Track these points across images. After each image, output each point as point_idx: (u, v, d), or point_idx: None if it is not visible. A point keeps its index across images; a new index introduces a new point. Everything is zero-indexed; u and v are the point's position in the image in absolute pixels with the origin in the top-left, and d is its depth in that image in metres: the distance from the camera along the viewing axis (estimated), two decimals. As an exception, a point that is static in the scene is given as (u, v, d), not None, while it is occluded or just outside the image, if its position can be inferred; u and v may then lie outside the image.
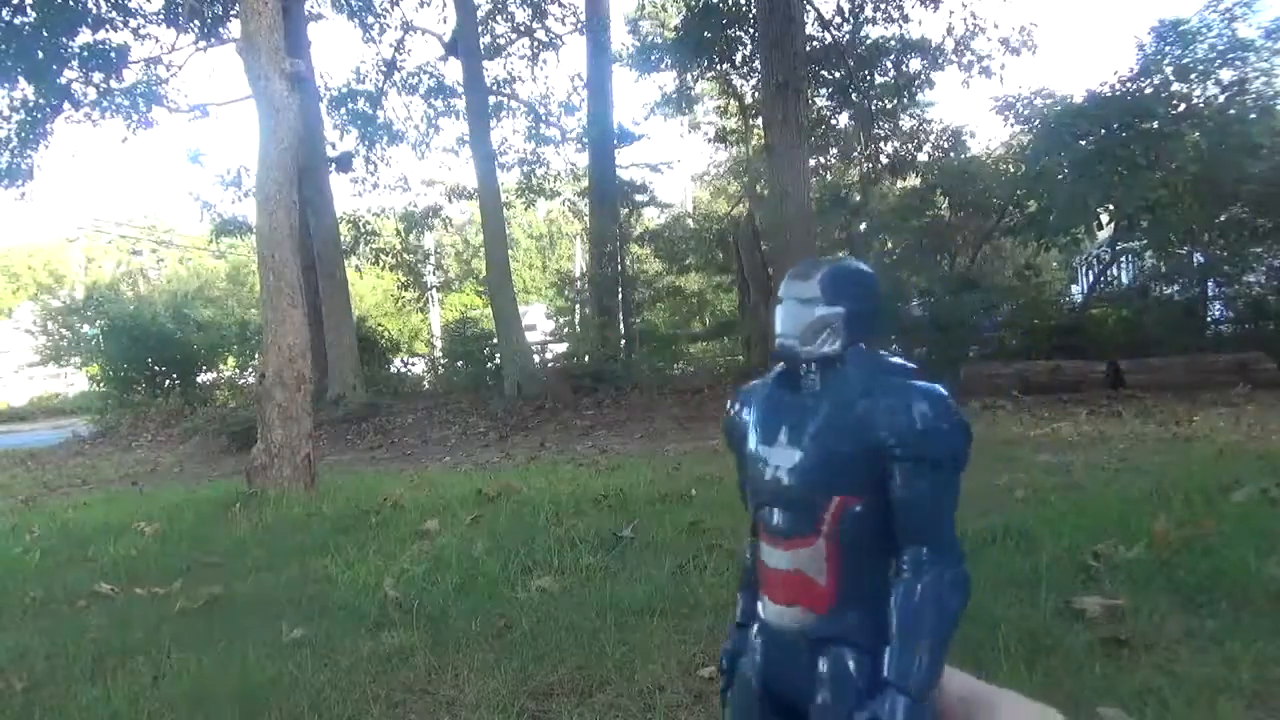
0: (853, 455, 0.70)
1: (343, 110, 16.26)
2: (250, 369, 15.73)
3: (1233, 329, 10.61)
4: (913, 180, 15.82)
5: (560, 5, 17.15)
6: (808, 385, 0.78)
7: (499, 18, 17.27)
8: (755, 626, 0.72)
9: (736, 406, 0.80)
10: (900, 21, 15.16)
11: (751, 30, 14.76)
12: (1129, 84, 10.52)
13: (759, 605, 0.73)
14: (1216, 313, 11.18)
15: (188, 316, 16.83)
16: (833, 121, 17.12)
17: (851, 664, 0.68)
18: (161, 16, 13.27)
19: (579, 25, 16.60)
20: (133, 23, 13.02)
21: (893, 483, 0.69)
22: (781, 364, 0.81)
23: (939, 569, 0.68)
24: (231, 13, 12.01)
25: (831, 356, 0.78)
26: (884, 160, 16.16)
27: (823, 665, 0.67)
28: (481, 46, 15.15)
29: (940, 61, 15.03)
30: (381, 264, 19.30)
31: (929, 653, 0.64)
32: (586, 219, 18.21)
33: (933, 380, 0.64)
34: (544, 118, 18.20)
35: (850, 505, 0.70)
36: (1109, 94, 10.43)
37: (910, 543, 0.70)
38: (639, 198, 18.42)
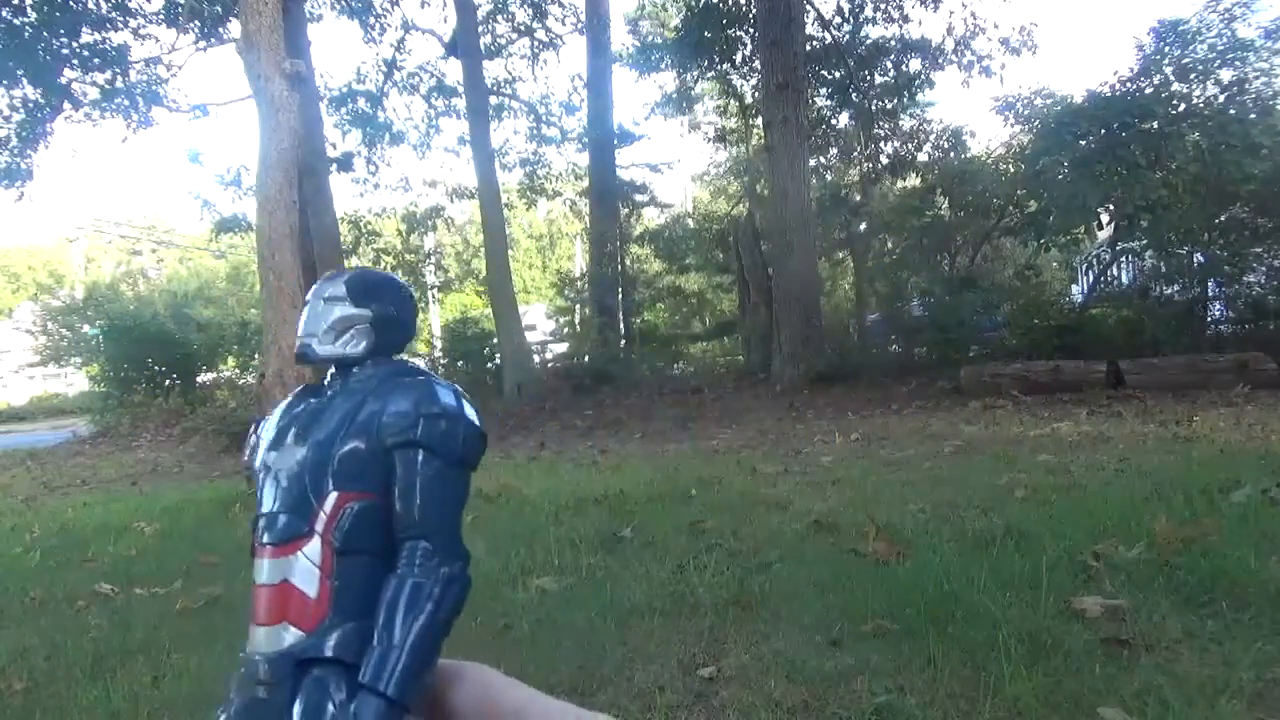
0: (356, 449, 0.66)
1: (343, 110, 16.26)
2: (250, 369, 15.73)
3: (1233, 329, 10.60)
4: (913, 180, 15.82)
5: (560, 5, 17.18)
6: (324, 393, 0.74)
7: (499, 18, 17.28)
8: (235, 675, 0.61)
9: (254, 430, 0.72)
10: (900, 21, 15.17)
11: (751, 30, 14.77)
12: (1129, 84, 10.52)
13: (252, 636, 0.62)
14: (1216, 313, 11.17)
15: (188, 316, 16.83)
16: (833, 121, 17.12)
17: (332, 687, 0.60)
18: (161, 16, 13.26)
19: (579, 25, 16.61)
20: (133, 23, 13.01)
21: (394, 474, 0.66)
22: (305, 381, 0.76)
23: (434, 565, 0.64)
24: (231, 13, 12.00)
25: (353, 359, 0.75)
26: (884, 160, 16.16)
27: (299, 700, 0.58)
28: (482, 46, 15.16)
29: (940, 61, 15.03)
30: (383, 265, 19.28)
31: (411, 652, 0.59)
32: (586, 219, 18.21)
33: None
34: (544, 118, 18.21)
35: (350, 503, 0.65)
36: (1109, 94, 10.43)
37: (409, 538, 0.66)
38: (639, 198, 18.42)
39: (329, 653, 0.59)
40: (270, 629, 0.62)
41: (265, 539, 0.65)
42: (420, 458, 0.65)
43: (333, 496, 0.64)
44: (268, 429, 0.74)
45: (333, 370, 0.74)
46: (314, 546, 0.63)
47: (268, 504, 0.69)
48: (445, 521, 0.65)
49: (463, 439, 0.67)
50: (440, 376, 0.73)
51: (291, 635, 0.61)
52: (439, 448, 0.65)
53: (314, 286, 0.74)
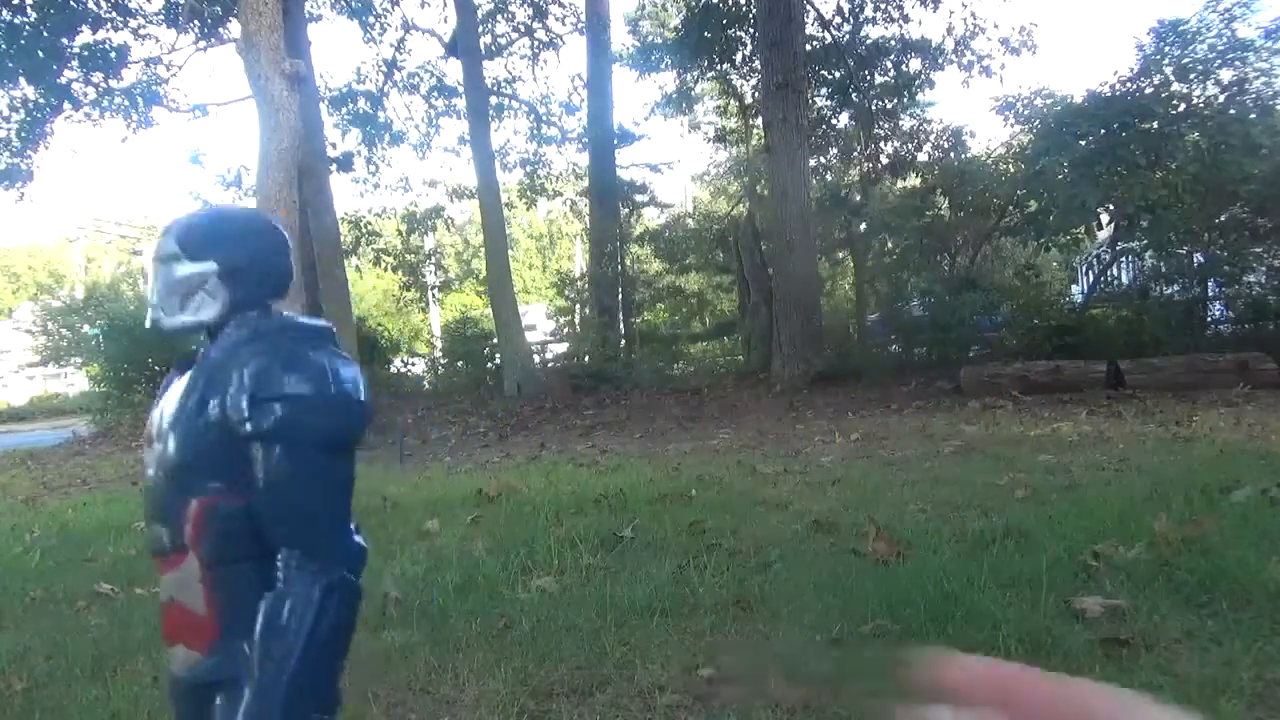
0: (211, 442, 0.57)
1: (343, 110, 16.25)
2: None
3: (1233, 329, 10.60)
4: (913, 180, 15.81)
5: (560, 5, 17.17)
6: (197, 361, 0.64)
7: (499, 18, 17.27)
8: None
9: (155, 405, 0.65)
10: (900, 21, 15.16)
11: (751, 30, 14.76)
12: (1129, 84, 10.52)
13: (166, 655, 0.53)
14: (1216, 313, 11.17)
15: (188, 316, 16.82)
16: (833, 121, 17.11)
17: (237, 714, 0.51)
18: (161, 16, 13.28)
19: (579, 25, 16.60)
20: (133, 23, 13.02)
21: (252, 469, 0.57)
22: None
23: (309, 576, 0.54)
24: (231, 13, 12.00)
25: (211, 324, 0.63)
26: (884, 160, 16.15)
27: None
28: (482, 46, 15.15)
29: (940, 61, 15.02)
30: (383, 265, 19.29)
31: (289, 687, 0.51)
32: (586, 219, 18.21)
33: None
34: (544, 118, 18.21)
35: (213, 507, 0.57)
36: (1109, 94, 10.43)
37: (280, 545, 0.57)
38: (639, 198, 18.43)
39: (224, 675, 0.56)
40: (173, 650, 0.58)
41: (152, 553, 0.61)
42: (271, 451, 0.56)
43: (194, 504, 0.57)
44: (154, 409, 0.65)
45: (200, 342, 0.65)
46: (190, 561, 0.58)
47: (146, 512, 0.62)
48: (317, 520, 0.57)
49: (321, 420, 0.57)
50: (311, 328, 0.59)
51: (190, 657, 0.57)
52: (291, 434, 0.56)
53: (153, 243, 0.65)
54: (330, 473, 0.58)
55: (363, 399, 0.61)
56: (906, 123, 16.36)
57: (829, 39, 15.28)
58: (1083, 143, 10.02)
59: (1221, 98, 10.20)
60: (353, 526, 0.65)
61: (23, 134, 12.48)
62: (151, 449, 0.61)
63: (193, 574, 0.58)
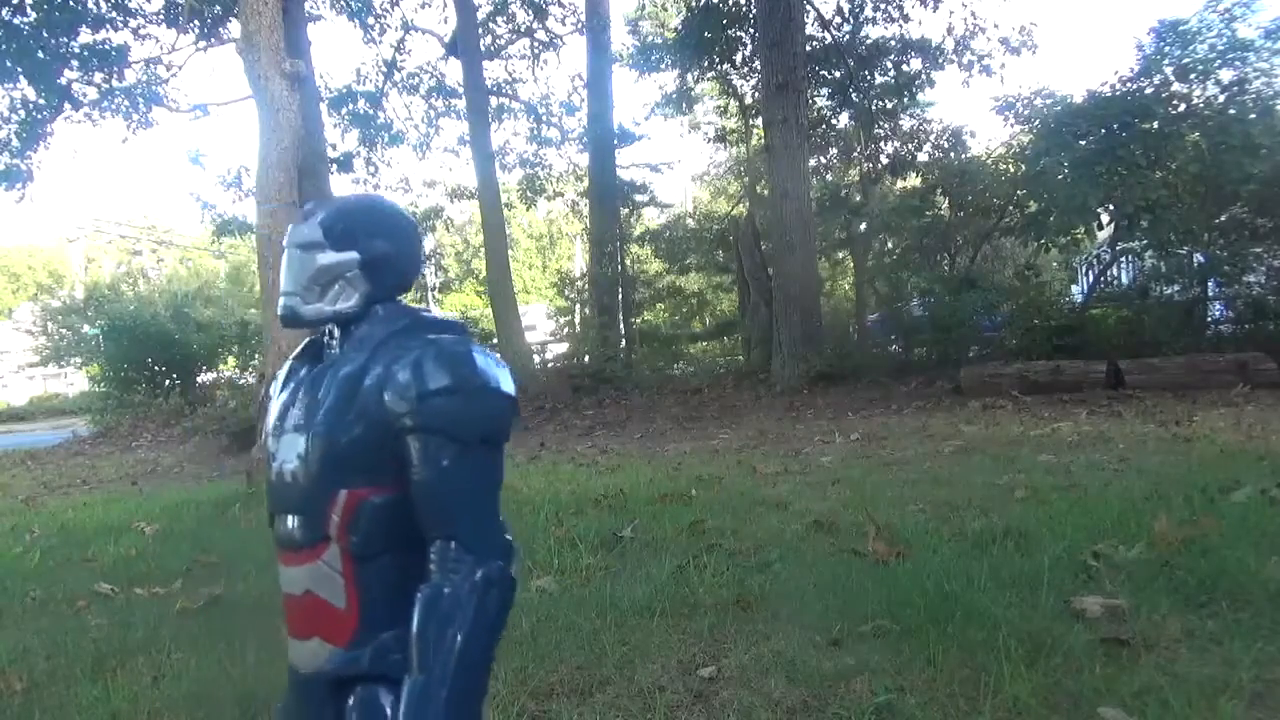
0: (363, 435, 0.54)
1: (343, 110, 16.24)
2: (250, 369, 15.72)
3: (1233, 329, 10.59)
4: (913, 180, 15.81)
5: (560, 5, 17.16)
6: (328, 356, 0.63)
7: (499, 18, 17.27)
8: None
9: (267, 391, 0.63)
10: (900, 21, 15.15)
11: (751, 30, 14.76)
12: (1129, 84, 10.51)
13: (290, 650, 0.54)
14: (1216, 313, 11.16)
15: (188, 316, 16.79)
16: (833, 121, 17.11)
17: (388, 709, 0.53)
18: (161, 16, 13.26)
19: (579, 25, 16.59)
20: (133, 23, 12.99)
21: (410, 463, 0.55)
22: (309, 335, 0.64)
23: (468, 569, 0.54)
24: (231, 13, 12.00)
25: (348, 316, 0.62)
26: (884, 160, 16.15)
27: (350, 717, 0.50)
28: (482, 47, 15.15)
29: (940, 61, 15.01)
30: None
31: (455, 680, 0.50)
32: (586, 219, 18.21)
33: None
34: (544, 118, 18.20)
35: (364, 500, 0.53)
36: (1109, 94, 10.43)
37: (436, 537, 0.54)
38: (639, 198, 18.41)
39: (367, 668, 0.55)
40: (303, 643, 0.56)
41: (281, 545, 0.60)
42: (432, 444, 0.55)
43: (343, 495, 0.56)
44: (275, 398, 0.65)
45: (328, 332, 0.65)
46: (333, 553, 0.57)
47: (276, 503, 0.61)
48: (474, 513, 0.56)
49: (482, 414, 0.57)
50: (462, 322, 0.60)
51: (325, 650, 0.56)
52: (453, 429, 0.55)
53: (289, 229, 0.64)
54: (489, 465, 0.58)
55: (514, 393, 0.61)
56: (906, 123, 16.37)
57: (829, 39, 15.28)
58: (1083, 143, 10.01)
59: (1221, 98, 10.19)
60: (502, 521, 0.64)
61: (23, 134, 12.47)
62: (279, 439, 0.60)
63: (334, 566, 0.56)
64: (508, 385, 0.59)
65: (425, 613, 0.52)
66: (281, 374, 0.69)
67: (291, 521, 0.61)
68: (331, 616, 0.56)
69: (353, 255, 0.64)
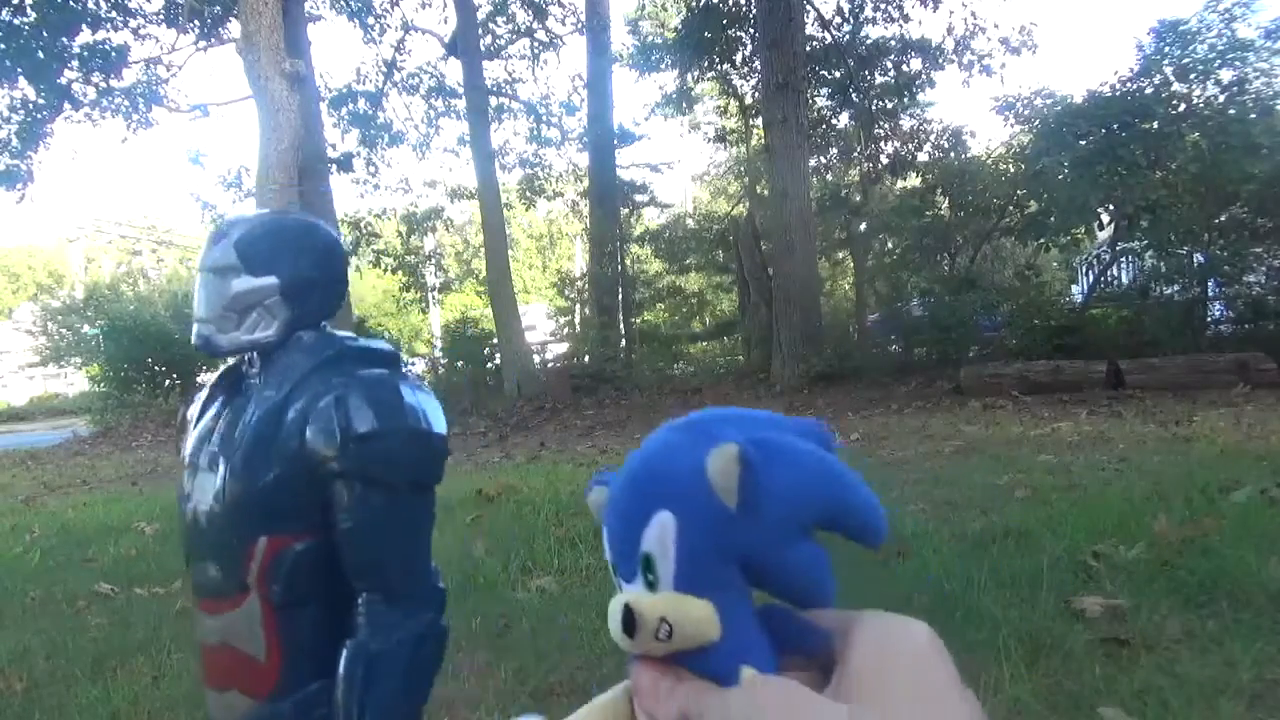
0: (283, 477, 0.49)
1: (343, 111, 16.24)
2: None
3: (1233, 329, 10.59)
4: (913, 180, 15.82)
5: (560, 5, 17.16)
6: (248, 386, 0.59)
7: (499, 18, 17.27)
8: None
9: (184, 415, 0.59)
10: (900, 21, 15.16)
11: (751, 30, 14.77)
12: (1129, 84, 10.52)
13: (207, 701, 0.50)
14: (1216, 313, 11.16)
15: (188, 316, 16.79)
16: (833, 121, 17.12)
17: None
18: (161, 16, 13.26)
19: (579, 25, 16.59)
20: (133, 23, 13.00)
21: (335, 509, 0.50)
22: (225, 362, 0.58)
23: (396, 622, 0.50)
24: (231, 13, 12.00)
25: (267, 345, 0.58)
26: (884, 160, 16.16)
27: None
28: (482, 47, 15.15)
29: (940, 61, 15.02)
30: (383, 267, 19.27)
31: None
32: (586, 219, 18.21)
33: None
34: (544, 118, 18.20)
35: (286, 547, 0.51)
36: (1109, 94, 10.43)
37: (364, 589, 0.50)
38: (639, 198, 18.43)
39: None
40: (220, 694, 0.52)
41: (197, 591, 0.56)
42: (358, 489, 0.51)
43: (263, 542, 0.52)
44: (191, 428, 0.59)
45: (247, 360, 0.60)
46: (252, 602, 0.53)
47: (192, 548, 0.56)
48: (404, 561, 0.52)
49: (411, 457, 0.52)
50: (386, 349, 0.53)
51: (244, 703, 0.52)
52: (380, 474, 0.51)
53: (201, 250, 0.59)
54: (419, 510, 0.53)
55: (445, 432, 0.55)
56: (906, 123, 16.38)
57: (829, 39, 15.28)
58: (1083, 143, 10.02)
59: (1221, 98, 10.20)
60: (433, 566, 0.63)
61: (23, 134, 12.47)
62: (194, 476, 0.54)
63: (254, 616, 0.51)
64: (439, 424, 0.53)
65: (352, 672, 0.48)
66: (199, 399, 0.62)
67: (209, 569, 0.54)
68: (250, 668, 0.51)
69: (271, 280, 0.57)
